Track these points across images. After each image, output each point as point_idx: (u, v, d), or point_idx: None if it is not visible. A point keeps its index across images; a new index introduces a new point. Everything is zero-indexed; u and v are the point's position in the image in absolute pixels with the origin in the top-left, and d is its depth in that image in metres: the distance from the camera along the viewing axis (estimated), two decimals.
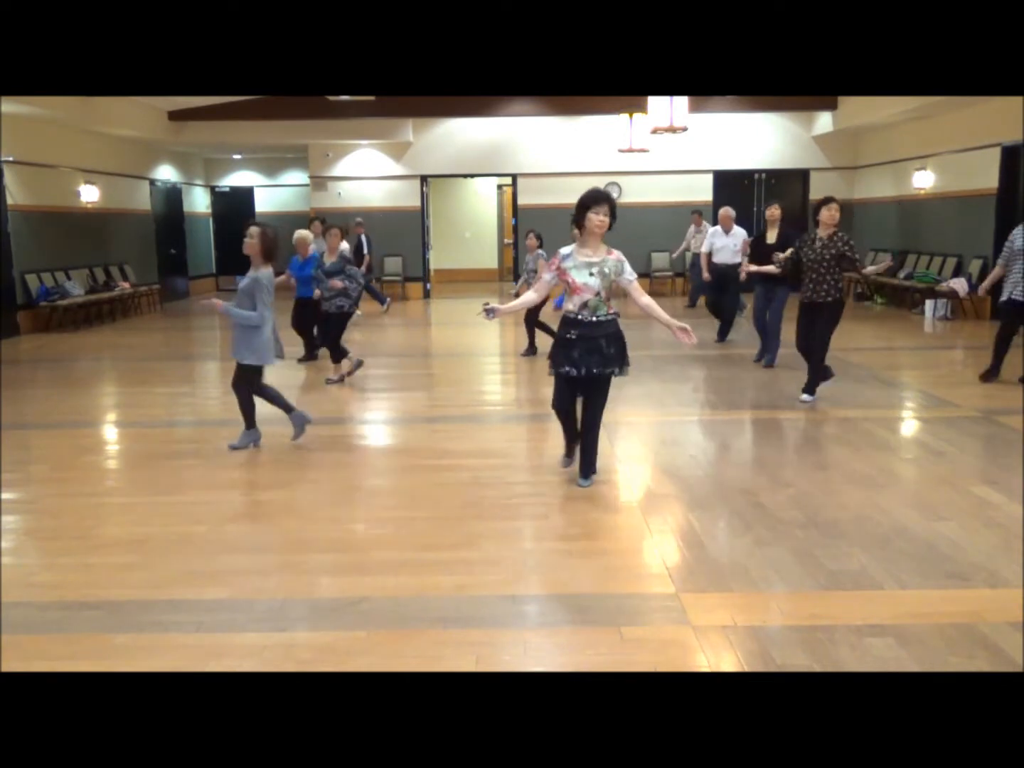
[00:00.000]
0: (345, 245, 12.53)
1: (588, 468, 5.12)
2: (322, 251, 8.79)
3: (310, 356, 9.53)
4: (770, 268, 7.51)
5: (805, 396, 7.15)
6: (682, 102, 11.33)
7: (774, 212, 8.93)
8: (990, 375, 7.83)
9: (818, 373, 7.19)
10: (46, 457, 6.19)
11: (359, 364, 8.61)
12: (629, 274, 4.98)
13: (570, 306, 4.86)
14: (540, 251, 9.67)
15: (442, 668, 3.08)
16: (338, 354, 8.51)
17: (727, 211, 10.34)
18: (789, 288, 8.45)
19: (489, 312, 4.90)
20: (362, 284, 8.69)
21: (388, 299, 15.07)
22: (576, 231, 4.98)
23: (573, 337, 4.84)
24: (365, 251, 14.62)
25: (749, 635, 3.27)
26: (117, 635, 3.40)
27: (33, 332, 12.60)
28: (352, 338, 12.33)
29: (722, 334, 10.45)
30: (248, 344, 5.87)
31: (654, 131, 11.84)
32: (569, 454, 5.31)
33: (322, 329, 8.77)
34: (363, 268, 13.67)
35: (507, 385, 9.00)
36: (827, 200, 7.14)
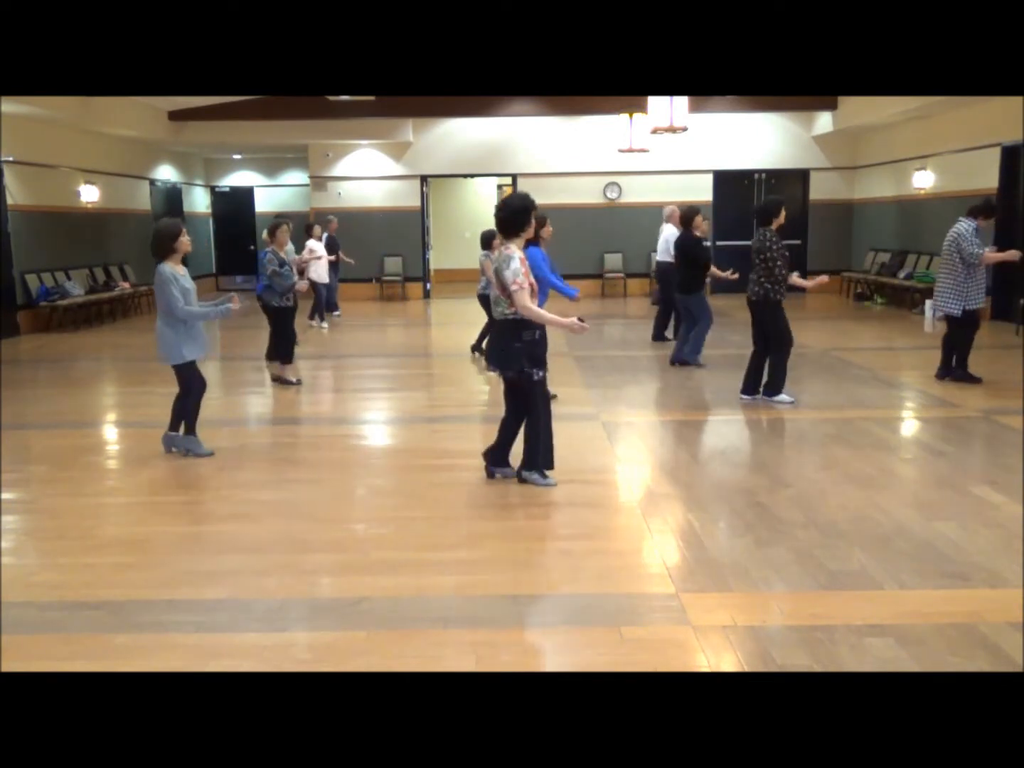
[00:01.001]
0: (319, 246, 12.47)
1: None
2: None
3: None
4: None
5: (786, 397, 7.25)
6: (682, 102, 11.33)
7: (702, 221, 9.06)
8: (964, 374, 7.87)
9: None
10: (46, 457, 6.19)
11: (295, 382, 8.52)
12: None
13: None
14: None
15: (442, 668, 3.08)
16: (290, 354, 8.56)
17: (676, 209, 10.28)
18: None
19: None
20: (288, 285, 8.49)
21: (322, 324, 12.94)
22: (506, 235, 4.94)
23: (539, 337, 4.94)
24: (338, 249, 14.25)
25: (749, 635, 3.27)
26: (117, 635, 3.40)
27: (33, 332, 12.60)
28: (353, 338, 12.35)
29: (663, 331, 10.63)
30: None
31: (654, 131, 11.84)
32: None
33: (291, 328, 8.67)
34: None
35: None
36: (783, 201, 7.19)
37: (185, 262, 6.07)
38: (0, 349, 10.82)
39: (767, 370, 7.26)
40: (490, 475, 5.25)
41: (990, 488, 4.96)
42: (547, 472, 5.13)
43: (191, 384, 5.89)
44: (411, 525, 4.60)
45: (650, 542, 4.31)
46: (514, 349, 4.87)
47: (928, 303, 12.80)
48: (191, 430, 5.96)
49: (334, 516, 4.78)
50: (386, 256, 17.14)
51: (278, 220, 8.64)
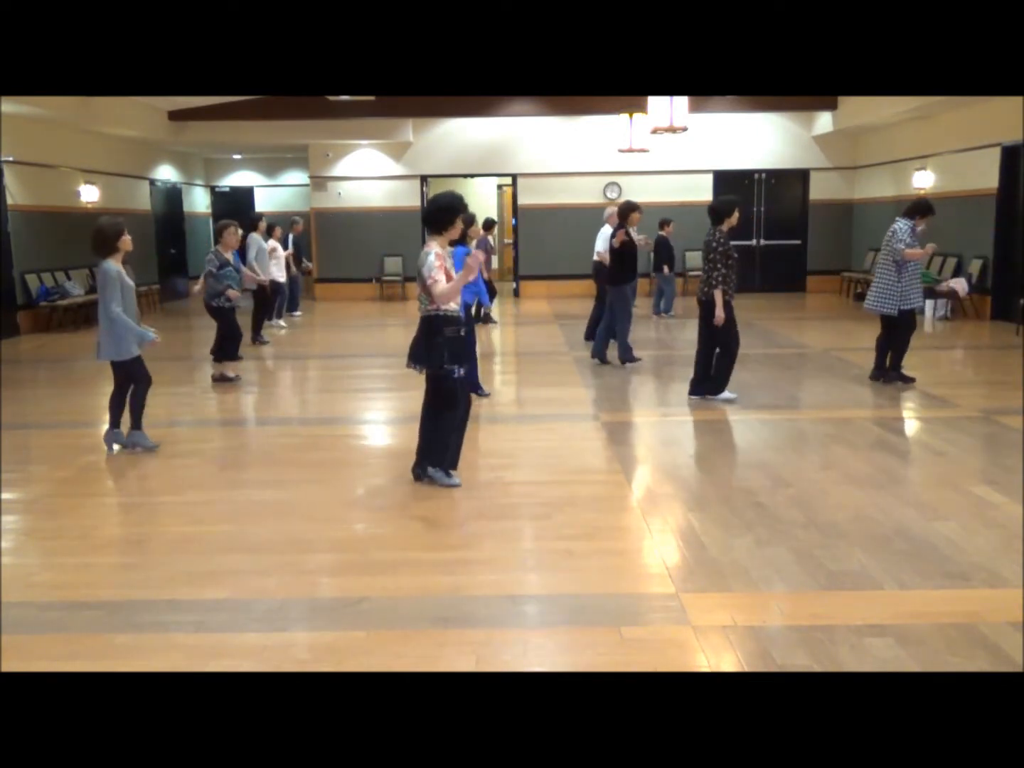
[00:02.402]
0: (274, 244, 12.35)
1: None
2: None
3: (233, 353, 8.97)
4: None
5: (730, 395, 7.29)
6: (682, 102, 11.33)
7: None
8: (899, 375, 7.87)
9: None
10: (46, 457, 6.19)
11: (236, 379, 8.60)
12: None
13: (454, 305, 4.90)
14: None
15: (442, 668, 3.08)
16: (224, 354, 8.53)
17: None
18: None
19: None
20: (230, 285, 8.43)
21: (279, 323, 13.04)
22: (438, 232, 4.94)
23: (463, 334, 4.98)
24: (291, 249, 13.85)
25: (749, 635, 3.27)
26: (117, 635, 3.40)
27: (33, 332, 12.60)
28: (353, 338, 12.34)
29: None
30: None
31: (654, 131, 11.84)
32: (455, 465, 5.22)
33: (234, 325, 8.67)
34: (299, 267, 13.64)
35: (506, 385, 9.00)
36: (738, 202, 7.23)
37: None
38: (0, 349, 10.82)
39: (712, 368, 7.30)
40: (418, 477, 5.22)
41: (990, 488, 4.96)
42: (451, 472, 5.15)
43: (139, 376, 5.99)
44: (411, 525, 4.60)
45: (650, 542, 4.31)
46: (436, 345, 4.87)
47: (928, 303, 12.81)
48: (116, 423, 6.05)
49: (334, 516, 4.78)
50: (386, 256, 17.13)
51: (226, 221, 8.67)
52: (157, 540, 4.46)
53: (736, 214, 7.05)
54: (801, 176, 16.91)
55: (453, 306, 4.90)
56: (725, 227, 7.01)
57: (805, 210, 17.02)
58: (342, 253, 17.04)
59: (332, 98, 14.26)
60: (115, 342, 5.87)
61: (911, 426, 6.84)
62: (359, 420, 7.40)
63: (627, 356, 9.04)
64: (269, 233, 12.40)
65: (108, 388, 9.17)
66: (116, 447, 6.04)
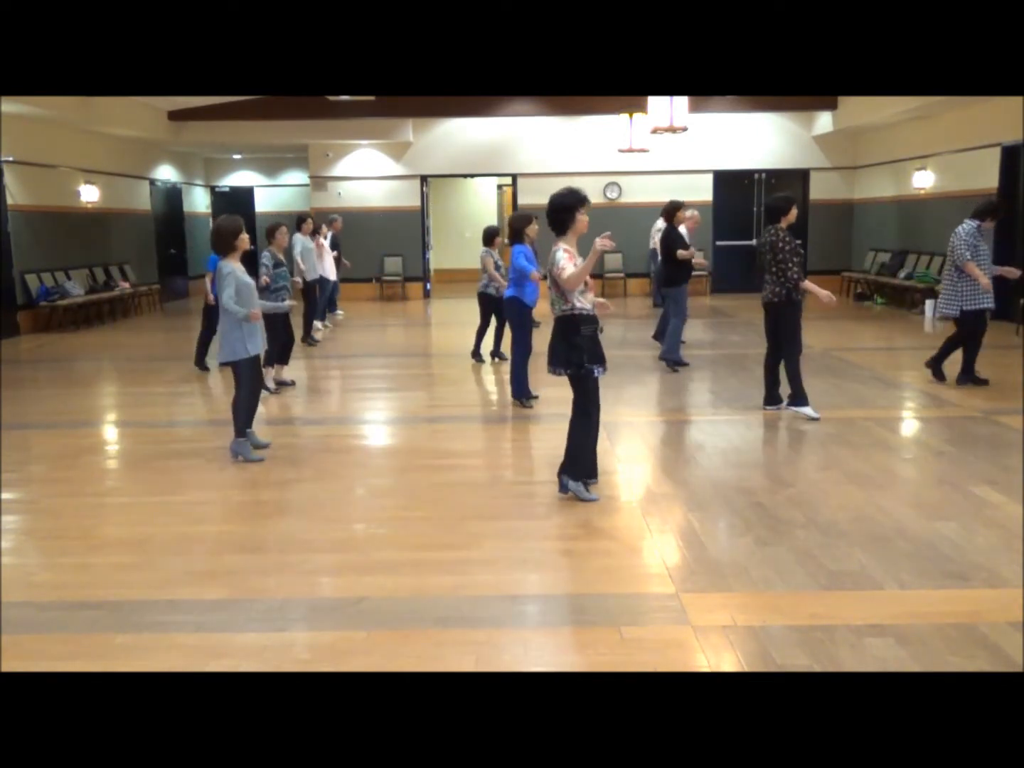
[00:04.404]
0: (307, 241, 12.26)
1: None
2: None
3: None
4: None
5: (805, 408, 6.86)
6: (682, 102, 11.32)
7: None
8: (970, 377, 7.79)
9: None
10: (46, 457, 6.19)
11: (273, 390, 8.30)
12: None
13: (587, 304, 4.76)
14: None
15: (442, 668, 3.08)
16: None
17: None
18: None
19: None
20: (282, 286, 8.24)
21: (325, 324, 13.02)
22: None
23: (599, 332, 4.82)
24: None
25: (749, 635, 3.27)
26: (117, 635, 3.40)
27: (33, 332, 12.60)
28: (353, 338, 12.34)
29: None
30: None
31: (654, 131, 11.84)
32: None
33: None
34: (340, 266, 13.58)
35: (507, 385, 8.99)
36: (794, 199, 6.97)
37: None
38: (0, 349, 10.82)
39: (787, 380, 6.84)
40: (563, 489, 4.95)
41: (990, 488, 4.96)
42: (590, 485, 4.96)
43: (248, 382, 5.76)
44: (411, 525, 4.60)
45: (650, 542, 4.30)
46: (574, 344, 4.73)
47: (928, 303, 12.82)
48: (241, 432, 5.81)
49: (334, 516, 4.78)
50: (386, 256, 17.13)
51: (277, 222, 8.61)
52: (157, 540, 4.46)
53: (794, 210, 6.77)
54: (801, 176, 16.90)
55: (588, 305, 4.75)
56: (783, 224, 6.75)
57: (805, 210, 16.99)
58: (342, 253, 17.03)
59: (332, 98, 14.26)
60: (224, 343, 5.67)
61: (911, 426, 6.84)
62: (360, 420, 7.40)
63: (675, 357, 8.90)
64: (315, 232, 12.25)
65: (108, 388, 9.22)
66: (241, 458, 5.77)
